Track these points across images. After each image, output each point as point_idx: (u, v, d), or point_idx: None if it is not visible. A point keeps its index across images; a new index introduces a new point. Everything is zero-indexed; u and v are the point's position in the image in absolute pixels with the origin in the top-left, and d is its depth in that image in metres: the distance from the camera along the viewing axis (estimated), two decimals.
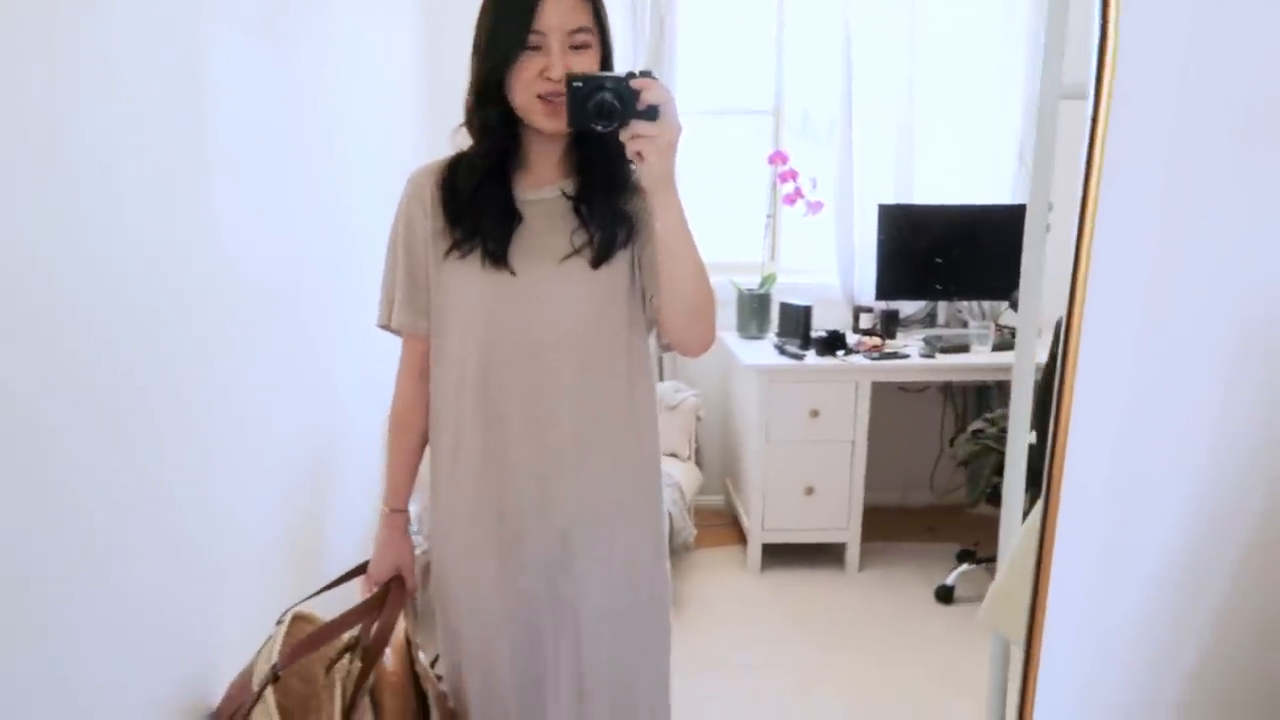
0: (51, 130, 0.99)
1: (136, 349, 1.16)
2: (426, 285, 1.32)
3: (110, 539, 1.10)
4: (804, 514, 2.99)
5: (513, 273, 1.26)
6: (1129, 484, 1.07)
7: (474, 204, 1.26)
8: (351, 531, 2.13)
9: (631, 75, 1.14)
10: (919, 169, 3.29)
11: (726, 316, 3.22)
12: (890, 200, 3.24)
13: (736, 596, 2.89)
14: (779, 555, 3.06)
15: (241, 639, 1.38)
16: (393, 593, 1.37)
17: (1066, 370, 0.99)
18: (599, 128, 1.14)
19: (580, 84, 1.13)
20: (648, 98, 1.13)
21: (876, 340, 3.00)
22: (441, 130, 1.38)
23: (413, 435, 1.38)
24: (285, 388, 1.74)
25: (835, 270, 3.32)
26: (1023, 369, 1.48)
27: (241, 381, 1.51)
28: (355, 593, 1.44)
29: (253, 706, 1.19)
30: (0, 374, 0.91)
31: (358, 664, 1.32)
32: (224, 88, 1.43)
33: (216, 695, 1.32)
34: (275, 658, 1.23)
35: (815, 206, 3.14)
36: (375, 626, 1.34)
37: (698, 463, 3.20)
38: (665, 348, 1.34)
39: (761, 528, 2.99)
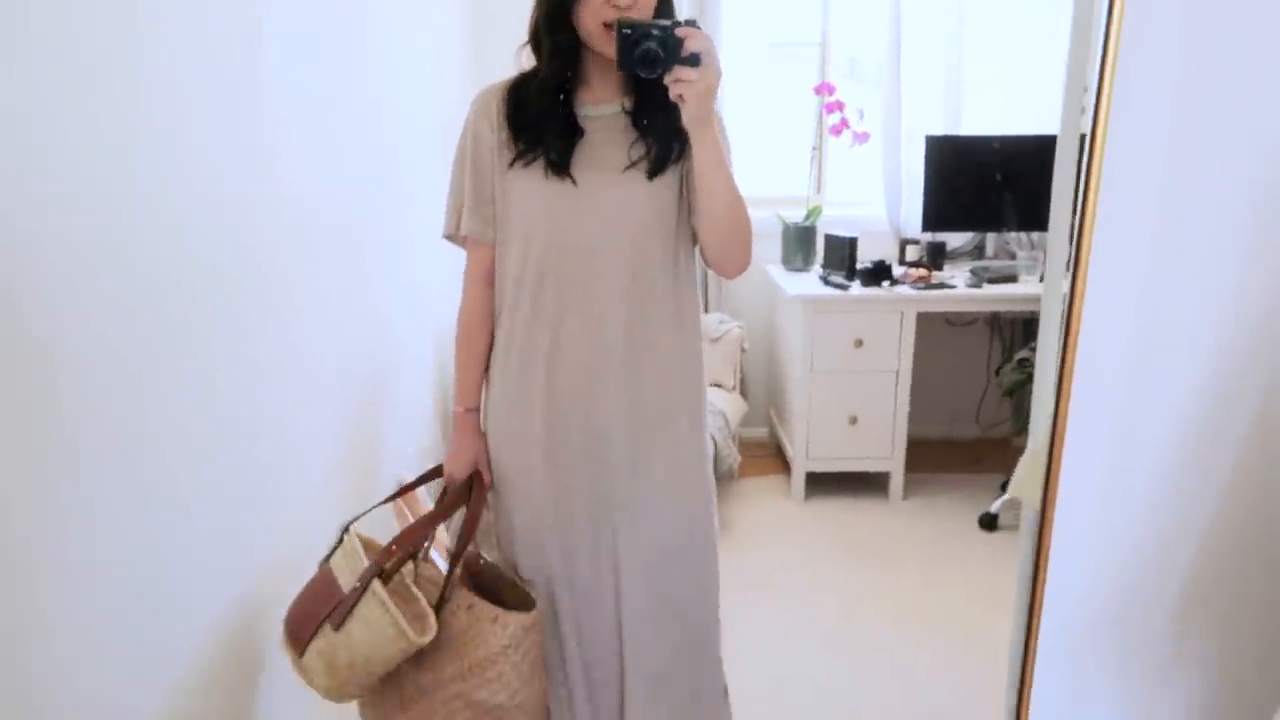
0: (129, 83, 1.06)
1: (204, 281, 1.23)
2: (492, 196, 1.40)
3: (180, 457, 1.18)
4: (848, 443, 3.02)
5: (574, 182, 1.34)
6: (1145, 348, 1.11)
7: (538, 118, 1.34)
8: (403, 447, 2.22)
9: (677, 24, 1.22)
10: (967, 99, 3.25)
11: (771, 249, 3.24)
12: (938, 131, 3.20)
13: (781, 523, 2.94)
14: (822, 484, 3.10)
15: (295, 552, 1.46)
16: (475, 487, 1.46)
17: (1084, 229, 1.02)
18: (643, 74, 1.22)
19: (629, 31, 1.21)
20: (691, 46, 1.20)
21: (923, 271, 3.00)
22: (483, 74, 1.43)
23: (481, 339, 1.46)
24: (339, 314, 1.81)
25: (881, 203, 3.31)
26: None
27: (299, 309, 1.59)
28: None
29: (356, 602, 1.25)
30: (87, 302, 0.99)
31: (415, 566, 1.41)
32: (279, 34, 1.49)
33: (272, 605, 1.38)
34: (364, 560, 1.29)
35: (861, 137, 3.12)
36: (464, 518, 1.42)
37: (742, 393, 3.25)
38: (706, 264, 1.42)
39: (806, 456, 3.04)
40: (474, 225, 1.41)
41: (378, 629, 1.25)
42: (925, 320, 3.00)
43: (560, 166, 1.33)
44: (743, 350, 3.18)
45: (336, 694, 1.31)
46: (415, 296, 2.39)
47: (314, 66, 1.68)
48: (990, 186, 3.14)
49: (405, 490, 1.54)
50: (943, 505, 3.02)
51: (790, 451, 3.13)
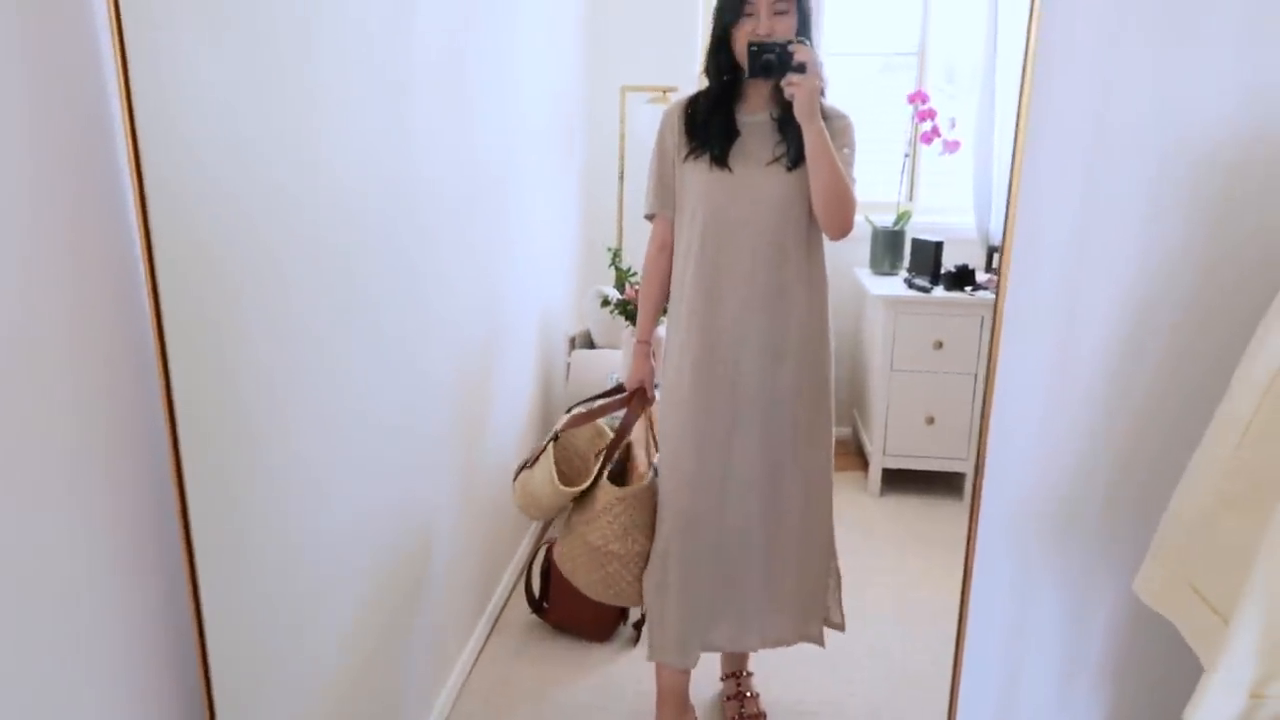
0: (312, 83, 1.31)
1: (352, 248, 1.49)
2: (672, 185, 1.88)
3: (353, 381, 1.44)
4: (924, 442, 3.13)
5: (731, 171, 1.78)
6: (1080, 263, 1.43)
7: (706, 124, 1.80)
8: (510, 400, 2.46)
9: (790, 41, 1.66)
10: None
11: (861, 252, 3.37)
12: None
13: (856, 514, 3.07)
14: (899, 481, 3.21)
15: (430, 466, 1.75)
16: (637, 397, 2.01)
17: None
18: (764, 79, 1.69)
19: (755, 48, 1.66)
20: (799, 57, 1.65)
21: None
22: (594, 80, 2.18)
23: (655, 288, 1.95)
24: (460, 286, 2.07)
25: (971, 210, 3.39)
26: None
27: (438, 273, 1.87)
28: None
29: (539, 455, 2.01)
30: (265, 270, 1.24)
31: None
32: (426, 42, 1.75)
33: (418, 511, 1.73)
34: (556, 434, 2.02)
35: (952, 146, 3.22)
36: (624, 417, 2.00)
37: None
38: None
39: (883, 452, 3.15)
40: (654, 203, 1.90)
41: (543, 475, 1.96)
42: None
43: (720, 159, 1.77)
44: None
45: (529, 514, 2.07)
46: (523, 277, 2.63)
47: (453, 70, 1.94)
48: None
49: (600, 397, 2.10)
50: None
51: (869, 448, 3.25)
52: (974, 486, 1.46)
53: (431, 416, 1.91)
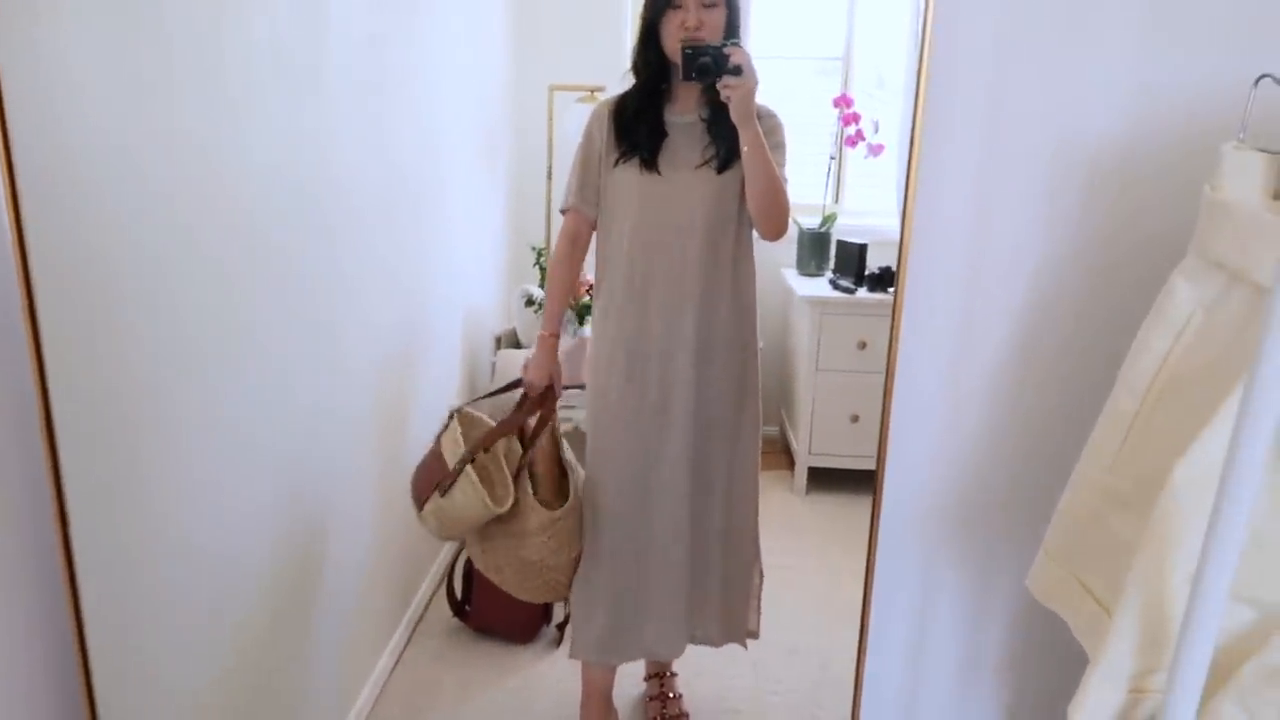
0: (216, 72, 1.28)
1: (257, 246, 1.46)
2: (596, 184, 1.83)
3: (248, 396, 1.40)
4: (849, 441, 3.17)
5: (660, 174, 1.76)
6: (978, 264, 1.47)
7: (634, 125, 1.77)
8: (435, 400, 2.43)
9: (725, 44, 1.64)
10: None
11: (787, 254, 3.40)
12: None
13: (782, 513, 3.10)
14: (824, 480, 3.25)
15: (344, 468, 1.71)
16: (548, 395, 1.91)
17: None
18: (700, 81, 1.67)
19: (690, 51, 1.64)
20: (734, 60, 1.62)
21: None
22: (523, 74, 2.20)
23: (564, 282, 1.91)
24: (377, 284, 2.03)
25: (895, 213, 3.45)
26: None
27: (348, 271, 1.83)
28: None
29: (456, 479, 1.77)
30: (148, 267, 1.20)
31: (517, 446, 1.93)
32: (339, 30, 1.72)
33: (329, 513, 1.68)
34: (462, 445, 1.81)
35: (876, 149, 3.27)
36: (536, 418, 1.91)
37: None
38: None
39: (809, 451, 3.19)
40: (576, 200, 1.85)
41: (470, 499, 1.77)
42: None
43: (649, 162, 1.75)
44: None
45: (444, 537, 1.89)
46: (447, 279, 2.60)
47: (368, 61, 1.90)
48: None
49: (498, 392, 1.99)
50: None
51: (795, 447, 3.28)
52: (876, 483, 1.49)
53: (347, 416, 1.87)
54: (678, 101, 1.78)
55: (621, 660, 1.96)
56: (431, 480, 1.80)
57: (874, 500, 1.49)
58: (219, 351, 1.36)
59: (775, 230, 1.79)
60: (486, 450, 1.85)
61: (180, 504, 1.29)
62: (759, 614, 2.01)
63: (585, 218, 1.85)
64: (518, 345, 3.09)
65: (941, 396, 1.50)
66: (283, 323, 1.54)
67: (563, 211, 1.90)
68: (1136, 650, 1.05)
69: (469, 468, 1.76)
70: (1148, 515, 1.06)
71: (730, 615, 1.98)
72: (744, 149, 1.69)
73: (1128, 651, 1.05)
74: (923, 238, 1.39)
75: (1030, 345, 1.47)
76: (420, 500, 1.83)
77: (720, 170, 1.75)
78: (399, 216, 2.16)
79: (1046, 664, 1.57)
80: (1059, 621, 1.47)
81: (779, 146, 1.79)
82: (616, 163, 1.78)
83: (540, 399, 1.92)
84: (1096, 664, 1.07)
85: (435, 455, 1.83)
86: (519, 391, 1.94)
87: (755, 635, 2.02)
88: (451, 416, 1.87)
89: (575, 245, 1.88)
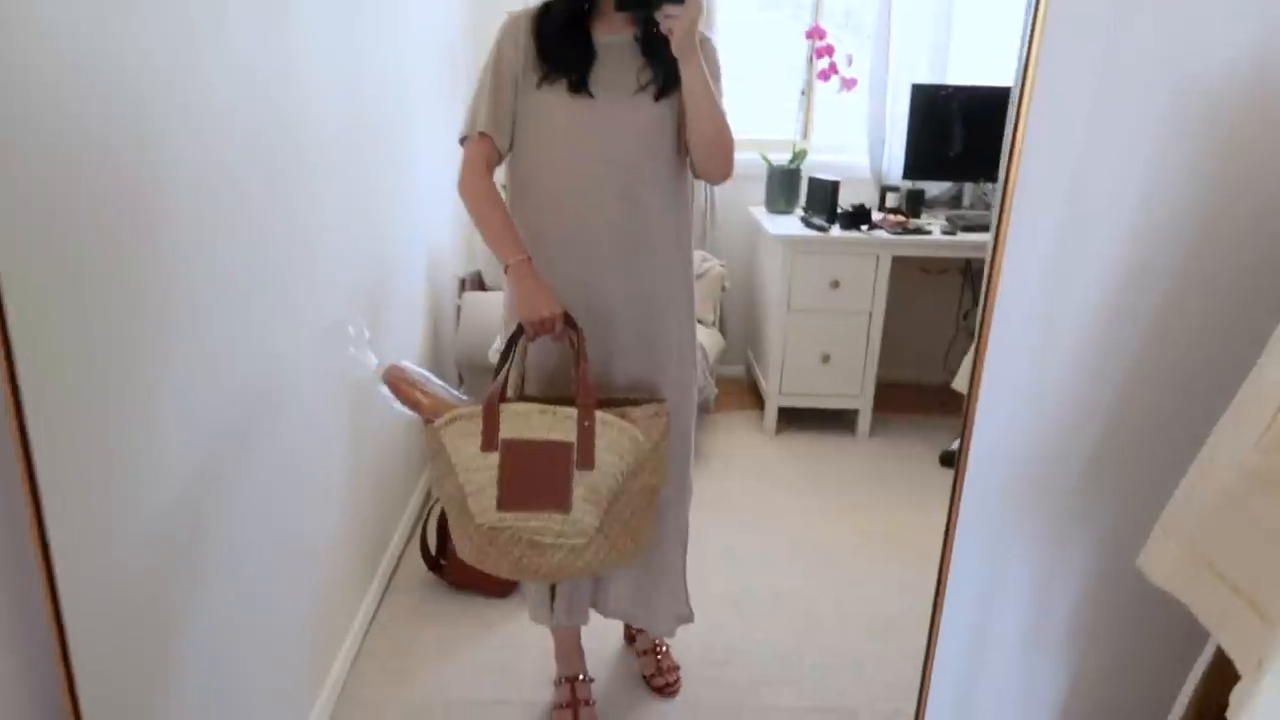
0: None
1: (219, 181, 1.32)
2: (510, 106, 1.58)
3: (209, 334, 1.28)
4: (820, 380, 3.15)
5: (592, 97, 1.54)
6: (1073, 226, 1.31)
7: (559, 44, 1.54)
8: (397, 349, 2.32)
9: None
10: (955, 49, 3.31)
11: (756, 191, 3.32)
12: (924, 80, 3.27)
13: (753, 454, 3.08)
14: (794, 419, 3.23)
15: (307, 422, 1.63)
16: (567, 321, 1.55)
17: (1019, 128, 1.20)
18: (637, 12, 1.48)
19: None
20: None
21: (901, 216, 3.09)
22: (480, 13, 1.55)
23: (497, 199, 1.60)
24: (343, 223, 1.90)
25: (865, 149, 3.38)
26: None
27: (310, 220, 1.69)
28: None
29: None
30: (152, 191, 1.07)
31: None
32: None
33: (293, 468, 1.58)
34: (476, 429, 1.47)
35: (849, 83, 3.19)
36: (578, 361, 1.53)
37: (721, 331, 3.35)
38: (694, 173, 1.62)
39: (779, 391, 3.16)
40: (488, 123, 1.56)
41: (623, 442, 1.47)
42: (901, 266, 3.10)
43: (579, 85, 1.53)
44: (723, 289, 3.28)
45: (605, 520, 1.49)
46: (410, 212, 2.46)
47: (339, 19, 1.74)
48: (971, 136, 3.22)
49: (508, 355, 1.60)
50: (906, 444, 3.16)
51: (765, 386, 3.25)
52: (960, 450, 1.39)
53: (306, 367, 1.74)
54: (606, 18, 1.56)
55: (571, 623, 1.88)
56: (555, 472, 1.44)
57: (956, 473, 1.39)
58: (176, 303, 1.23)
59: (722, 172, 1.62)
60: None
61: (142, 464, 1.17)
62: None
63: (496, 147, 1.58)
64: (483, 288, 2.96)
65: (1028, 360, 1.37)
66: (246, 273, 1.41)
67: (462, 140, 1.60)
68: None
69: (601, 413, 1.46)
70: None
71: (669, 595, 1.86)
72: (687, 84, 1.50)
73: None
74: (1024, 187, 1.24)
75: (1128, 309, 1.34)
76: (563, 503, 1.47)
77: (658, 97, 1.56)
78: (365, 149, 2.01)
79: (1112, 642, 1.52)
80: (1128, 599, 1.40)
81: (716, 76, 1.60)
82: (539, 84, 1.55)
83: (564, 330, 1.56)
84: (1262, 672, 0.94)
85: (509, 451, 1.47)
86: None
87: (689, 619, 1.91)
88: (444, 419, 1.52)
89: (490, 171, 1.60)
